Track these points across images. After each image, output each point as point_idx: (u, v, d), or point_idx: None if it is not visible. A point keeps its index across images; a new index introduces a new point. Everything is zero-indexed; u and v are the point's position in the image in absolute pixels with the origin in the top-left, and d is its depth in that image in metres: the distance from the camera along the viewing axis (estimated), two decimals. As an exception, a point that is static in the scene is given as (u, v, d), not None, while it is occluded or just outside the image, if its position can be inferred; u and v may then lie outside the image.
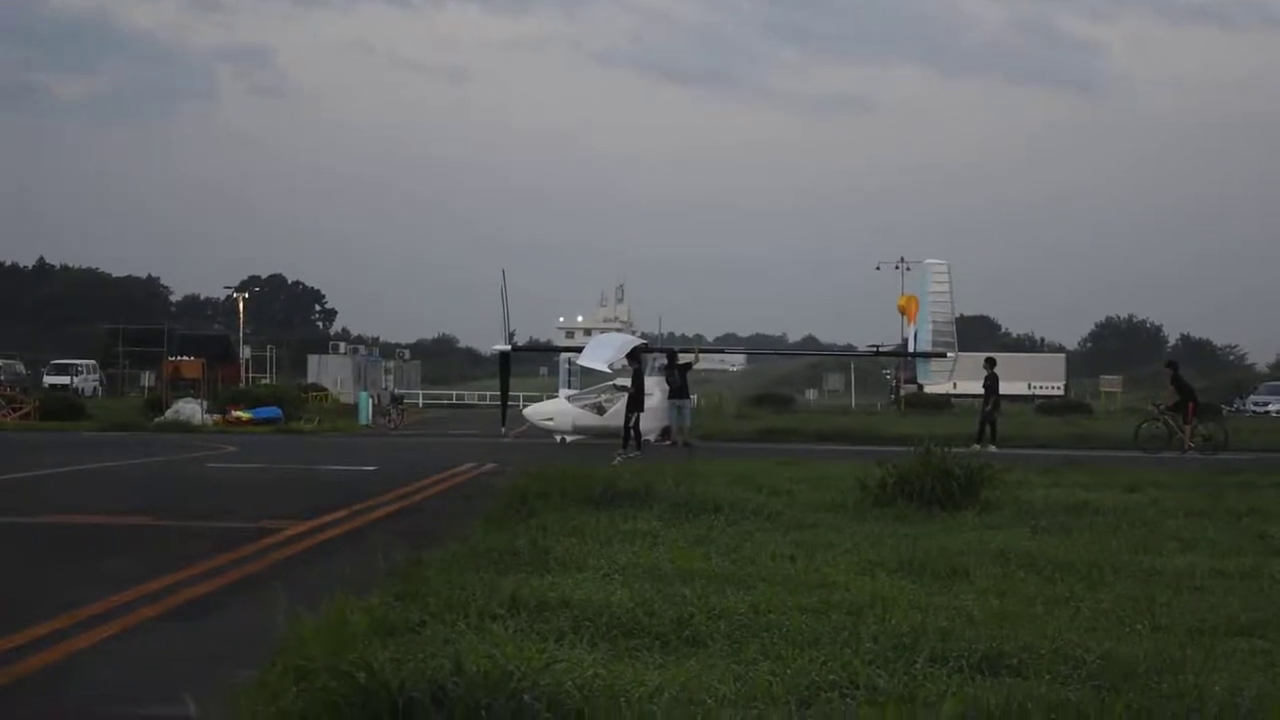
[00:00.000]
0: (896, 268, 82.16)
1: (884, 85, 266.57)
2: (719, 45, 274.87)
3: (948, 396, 65.31)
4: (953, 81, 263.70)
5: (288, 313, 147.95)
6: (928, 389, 63.23)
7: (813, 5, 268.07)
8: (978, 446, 28.37)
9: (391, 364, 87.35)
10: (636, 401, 30.51)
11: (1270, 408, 67.80)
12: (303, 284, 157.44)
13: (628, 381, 31.65)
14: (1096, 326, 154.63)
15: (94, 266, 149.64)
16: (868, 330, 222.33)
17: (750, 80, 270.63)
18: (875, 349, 48.78)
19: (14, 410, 45.13)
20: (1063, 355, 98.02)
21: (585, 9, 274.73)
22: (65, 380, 74.97)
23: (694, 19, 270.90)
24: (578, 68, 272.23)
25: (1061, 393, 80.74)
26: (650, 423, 31.95)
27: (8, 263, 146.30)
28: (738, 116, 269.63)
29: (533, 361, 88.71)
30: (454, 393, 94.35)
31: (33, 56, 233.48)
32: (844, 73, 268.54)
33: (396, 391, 61.97)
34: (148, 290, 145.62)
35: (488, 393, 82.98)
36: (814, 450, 28.51)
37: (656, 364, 34.45)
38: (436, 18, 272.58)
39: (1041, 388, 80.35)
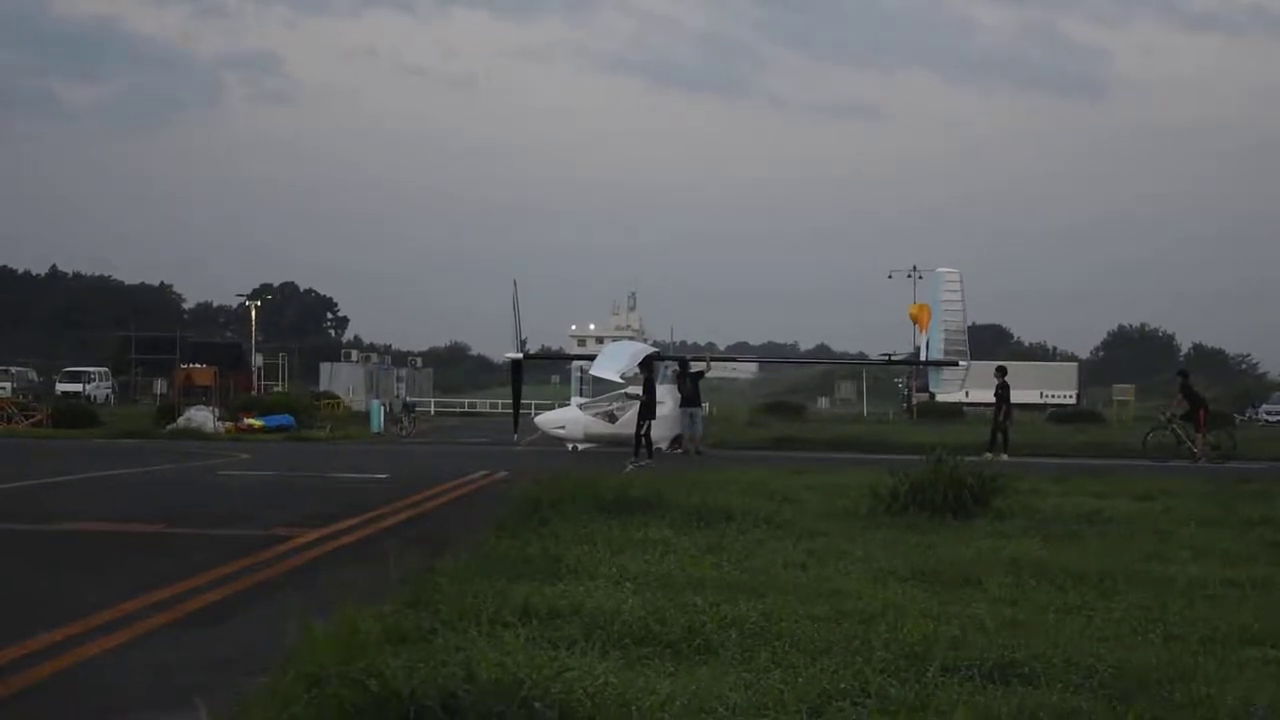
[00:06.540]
0: (909, 276, 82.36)
1: (893, 92, 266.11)
2: (726, 52, 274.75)
3: (960, 405, 65.28)
4: (961, 89, 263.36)
5: (300, 320, 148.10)
6: (940, 397, 63.13)
7: (819, 12, 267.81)
8: (989, 455, 28.30)
9: (404, 372, 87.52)
10: (648, 410, 30.56)
11: (1283, 416, 67.59)
12: (315, 292, 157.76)
13: (639, 390, 31.70)
14: (1109, 335, 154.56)
15: (106, 274, 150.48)
16: (880, 339, 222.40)
17: (757, 87, 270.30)
18: (887, 357, 48.70)
19: (26, 417, 45.31)
20: (1075, 364, 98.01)
21: (591, 16, 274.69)
22: (78, 388, 75.31)
23: (700, 26, 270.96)
24: (584, 74, 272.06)
25: (1073, 401, 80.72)
26: (662, 431, 31.98)
27: (20, 270, 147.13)
28: (745, 123, 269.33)
29: (544, 369, 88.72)
30: (466, 401, 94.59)
31: (42, 64, 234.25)
32: (851, 80, 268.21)
33: (408, 399, 62.06)
34: (160, 298, 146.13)
35: (499, 401, 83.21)
36: (826, 459, 28.48)
37: (668, 372, 34.48)
38: (443, 24, 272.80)
39: (1053, 396, 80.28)
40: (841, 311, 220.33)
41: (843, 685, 6.35)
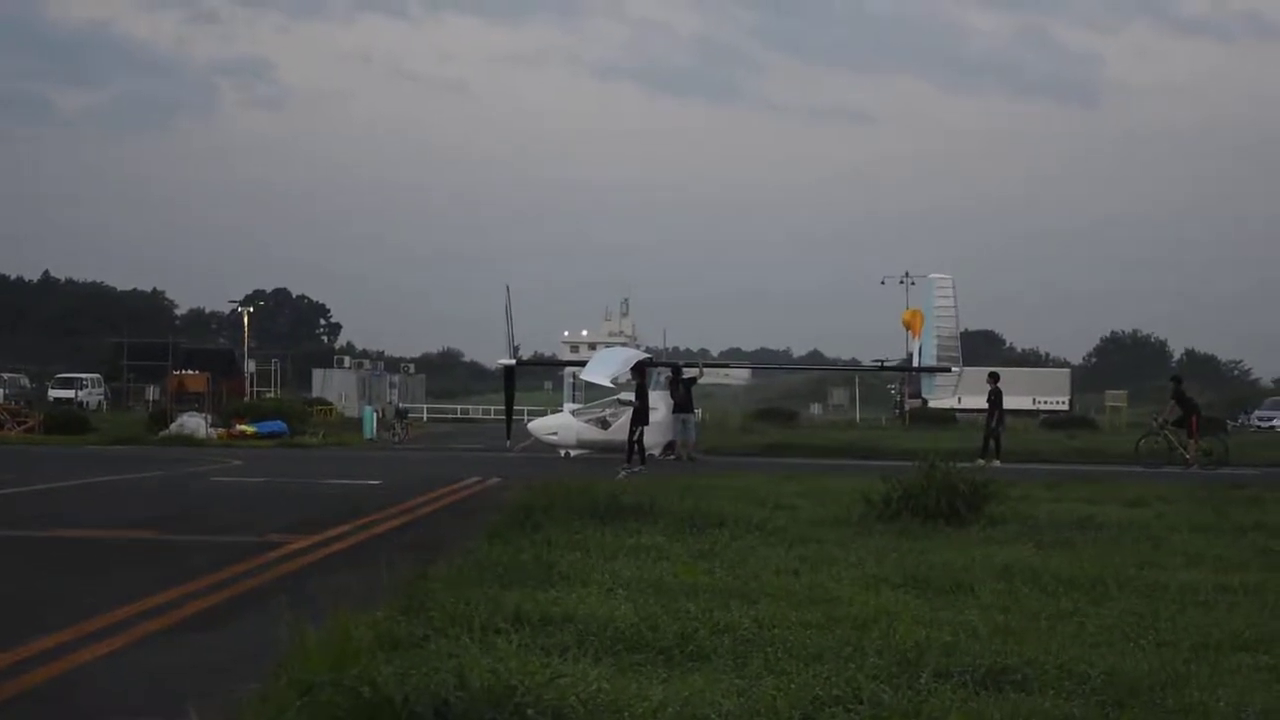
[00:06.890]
0: (901, 282, 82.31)
1: (886, 97, 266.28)
2: (719, 57, 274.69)
3: (952, 411, 65.35)
4: (954, 94, 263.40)
5: (292, 327, 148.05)
6: (932, 404, 63.18)
7: (812, 17, 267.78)
8: (982, 461, 28.38)
9: (396, 378, 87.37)
10: (641, 416, 30.55)
11: (1275, 423, 67.59)
12: (307, 298, 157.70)
13: (632, 396, 31.69)
14: (1101, 341, 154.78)
15: (99, 280, 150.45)
16: (873, 345, 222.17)
17: (751, 92, 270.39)
18: (880, 363, 48.97)
19: (19, 424, 45.18)
20: (1067, 370, 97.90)
21: (583, 22, 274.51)
22: (70, 394, 75.07)
23: (693, 31, 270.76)
24: (577, 80, 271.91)
25: (1066, 408, 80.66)
26: (654, 437, 31.98)
27: (12, 276, 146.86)
28: (737, 128, 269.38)
29: (537, 376, 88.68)
30: (458, 407, 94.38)
31: (35, 69, 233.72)
32: (845, 85, 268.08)
33: (401, 406, 61.98)
34: (152, 304, 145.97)
35: (492, 407, 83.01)
36: (818, 465, 28.49)
37: (661, 378, 34.49)
38: (436, 29, 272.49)
39: (1046, 403, 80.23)
40: (834, 317, 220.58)
41: (835, 691, 6.36)
